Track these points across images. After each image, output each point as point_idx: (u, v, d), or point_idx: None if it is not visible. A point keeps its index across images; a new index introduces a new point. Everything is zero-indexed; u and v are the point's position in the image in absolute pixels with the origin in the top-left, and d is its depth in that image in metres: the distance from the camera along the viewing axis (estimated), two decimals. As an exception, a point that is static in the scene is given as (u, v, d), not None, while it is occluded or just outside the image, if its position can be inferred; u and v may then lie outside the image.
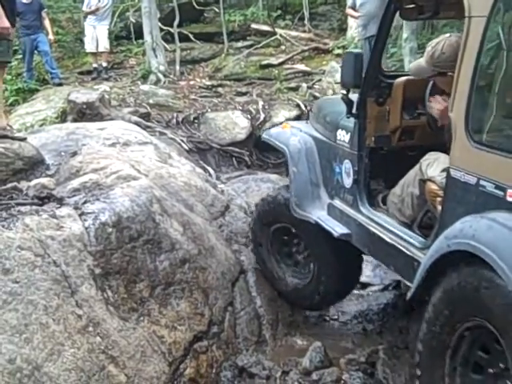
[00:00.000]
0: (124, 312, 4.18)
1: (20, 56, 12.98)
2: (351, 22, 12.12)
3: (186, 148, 9.42)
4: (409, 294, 3.40)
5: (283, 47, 14.47)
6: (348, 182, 4.20)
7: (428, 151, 3.78)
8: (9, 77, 11.92)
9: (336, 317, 5.55)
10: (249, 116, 10.71)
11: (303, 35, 15.10)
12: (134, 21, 15.08)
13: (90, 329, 3.88)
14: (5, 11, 5.17)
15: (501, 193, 2.79)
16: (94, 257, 4.19)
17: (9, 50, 5.49)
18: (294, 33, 15.20)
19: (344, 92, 4.09)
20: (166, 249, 4.64)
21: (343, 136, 4.24)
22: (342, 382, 4.49)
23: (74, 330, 3.79)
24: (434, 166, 3.63)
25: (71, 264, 4.04)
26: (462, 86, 3.03)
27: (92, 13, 13.01)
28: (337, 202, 4.35)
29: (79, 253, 4.13)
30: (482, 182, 2.90)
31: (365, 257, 4.85)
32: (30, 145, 5.61)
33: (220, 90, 12.58)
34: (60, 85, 12.24)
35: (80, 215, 4.36)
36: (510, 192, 2.75)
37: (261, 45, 14.52)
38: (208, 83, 13.03)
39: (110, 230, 4.34)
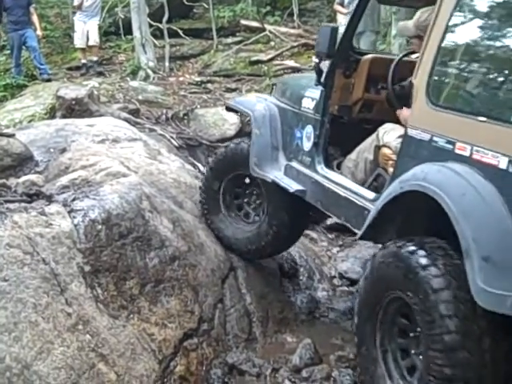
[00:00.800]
0: (114, 310, 4.18)
1: (8, 51, 12.89)
2: (340, 19, 12.10)
3: (176, 144, 9.38)
4: (358, 235, 3.85)
5: (272, 43, 14.43)
6: (308, 145, 4.57)
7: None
8: (-3, 72, 11.87)
9: (326, 314, 5.57)
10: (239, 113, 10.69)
11: (292, 31, 15.07)
12: (122, 16, 15.00)
13: (80, 327, 3.87)
14: None
15: (450, 146, 3.23)
16: (84, 254, 4.18)
17: None
18: (283, 29, 15.16)
19: (316, 61, 4.42)
20: (155, 246, 4.64)
21: (308, 104, 4.60)
22: (332, 378, 4.50)
23: (64, 328, 3.79)
24: (390, 133, 3.97)
25: (60, 262, 4.03)
26: (427, 56, 3.46)
27: (79, 7, 12.94)
28: (294, 164, 4.70)
29: (68, 250, 4.12)
30: (434, 138, 3.33)
31: (353, 253, 4.89)
32: (18, 141, 5.59)
33: (209, 86, 12.54)
34: (49, 80, 12.15)
35: (69, 212, 4.35)
36: (459, 145, 3.18)
37: (250, 41, 14.48)
38: (197, 79, 12.98)
39: (100, 227, 4.34)
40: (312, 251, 6.57)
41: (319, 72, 4.44)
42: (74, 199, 4.53)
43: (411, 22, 4.09)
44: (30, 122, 9.36)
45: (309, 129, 4.57)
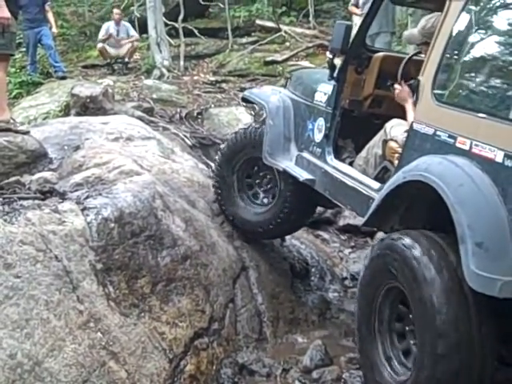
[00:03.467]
0: (125, 308, 4.18)
1: (24, 49, 12.96)
2: (356, 20, 12.06)
3: (189, 143, 9.39)
4: (363, 221, 4.05)
5: (288, 44, 14.44)
6: (319, 137, 4.77)
7: None
8: (12, 69, 11.91)
9: (337, 315, 5.55)
10: (252, 112, 10.68)
11: (308, 32, 15.07)
12: (138, 15, 15.05)
13: (91, 324, 3.88)
14: (7, 2, 5.16)
15: (452, 140, 3.43)
16: (96, 252, 4.19)
17: (11, 43, 5.48)
18: (298, 29, 15.17)
19: (330, 57, 4.63)
20: (167, 245, 4.64)
21: (321, 97, 4.81)
22: (343, 380, 4.48)
23: (75, 325, 3.79)
24: (397, 128, 4.13)
25: (73, 259, 4.04)
26: (434, 55, 3.69)
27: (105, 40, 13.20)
28: (305, 154, 4.91)
29: (81, 248, 4.13)
30: (438, 133, 3.53)
31: (365, 254, 4.86)
32: (33, 138, 5.60)
33: (224, 85, 12.56)
34: (64, 78, 12.21)
35: (82, 210, 4.35)
36: (459, 140, 3.38)
37: (265, 41, 14.50)
38: (212, 79, 13.01)
39: (112, 225, 4.34)
40: (324, 252, 6.56)
41: (332, 67, 4.64)
42: (87, 197, 4.54)
43: (416, 29, 4.31)
44: (44, 119, 9.42)
45: (320, 121, 4.76)
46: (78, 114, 9.23)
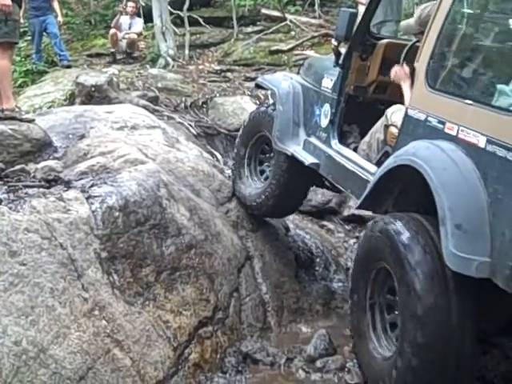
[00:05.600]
0: (130, 296, 4.19)
1: (29, 38, 12.94)
2: (361, 9, 12.02)
3: (194, 133, 9.39)
4: (357, 203, 4.21)
5: (293, 33, 14.37)
6: (325, 122, 4.89)
7: None
8: (18, 58, 11.90)
9: (341, 305, 5.55)
10: (257, 101, 10.65)
11: (313, 21, 14.99)
12: (143, 4, 14.98)
13: (96, 312, 3.89)
14: None
15: (441, 126, 3.55)
16: (101, 240, 4.20)
17: (15, 31, 5.47)
18: (304, 18, 15.09)
19: (335, 44, 4.76)
20: (172, 234, 4.65)
21: (327, 83, 4.93)
22: (346, 369, 4.50)
23: (80, 313, 3.80)
24: (397, 113, 4.19)
25: (78, 247, 4.05)
26: (428, 44, 3.80)
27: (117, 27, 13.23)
28: (312, 139, 5.03)
29: (86, 236, 4.13)
30: (429, 118, 3.66)
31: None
32: (38, 127, 5.61)
33: (229, 75, 12.52)
34: (69, 67, 12.19)
35: (87, 198, 4.36)
36: (448, 125, 3.50)
37: (270, 30, 14.42)
38: (217, 68, 12.97)
39: (117, 213, 4.35)
40: (328, 242, 6.56)
41: (338, 54, 4.75)
42: (91, 185, 4.54)
43: (412, 19, 4.42)
44: (49, 107, 9.40)
45: (326, 107, 4.88)
46: (83, 103, 9.24)
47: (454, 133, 3.45)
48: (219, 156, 8.79)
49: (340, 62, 4.73)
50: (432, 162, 3.44)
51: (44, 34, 12.48)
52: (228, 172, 6.77)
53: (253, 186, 5.71)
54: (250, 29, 14.95)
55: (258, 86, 6.16)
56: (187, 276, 4.61)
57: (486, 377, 4.17)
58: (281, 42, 13.91)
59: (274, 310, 5.20)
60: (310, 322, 5.20)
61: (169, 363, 4.13)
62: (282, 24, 14.56)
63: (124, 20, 13.52)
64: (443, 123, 3.54)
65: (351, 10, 4.81)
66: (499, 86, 3.33)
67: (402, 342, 3.45)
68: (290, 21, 14.63)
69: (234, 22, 14.68)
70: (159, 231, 4.56)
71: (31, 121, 5.61)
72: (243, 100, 10.69)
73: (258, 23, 15.22)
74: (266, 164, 5.77)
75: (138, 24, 13.70)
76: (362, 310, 3.94)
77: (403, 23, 4.93)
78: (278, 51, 13.44)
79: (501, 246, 3.10)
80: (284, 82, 5.43)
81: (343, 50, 4.75)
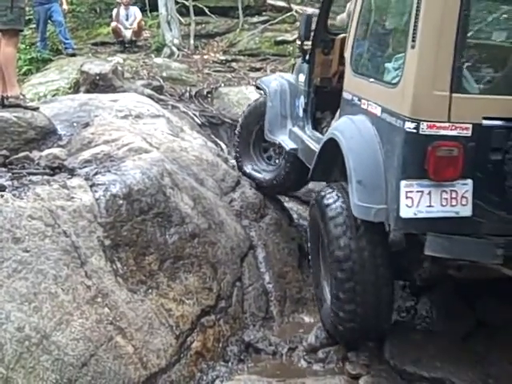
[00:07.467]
0: (133, 284, 4.20)
1: (34, 26, 12.93)
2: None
3: (199, 122, 9.39)
4: (309, 175, 4.83)
5: (298, 23, 14.32)
6: (301, 112, 5.55)
7: None
8: (22, 46, 11.88)
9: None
10: (262, 92, 10.65)
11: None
12: (149, -7, 14.96)
13: (99, 300, 3.90)
14: None
15: (359, 103, 4.29)
16: (104, 228, 4.21)
17: (20, 18, 5.45)
18: (309, 9, 15.01)
19: (299, 43, 5.48)
20: (175, 222, 4.65)
21: (302, 78, 5.56)
22: (348, 359, 4.49)
23: (83, 300, 3.82)
24: None
25: (81, 235, 4.06)
26: (350, 35, 4.57)
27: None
28: (294, 128, 5.67)
29: (89, 224, 4.14)
30: (353, 98, 4.42)
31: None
32: (42, 114, 5.61)
33: (234, 65, 12.50)
34: (73, 55, 12.19)
35: (91, 186, 4.37)
36: (362, 101, 4.23)
37: (276, 20, 14.37)
38: (222, 58, 12.94)
39: (121, 202, 4.35)
40: (332, 233, 6.54)
41: (304, 52, 5.43)
42: (95, 173, 4.55)
43: (345, 14, 5.17)
44: (54, 96, 9.41)
45: (302, 98, 5.52)
46: (88, 92, 9.24)
47: (365, 107, 4.18)
48: (223, 145, 8.79)
49: (306, 58, 5.39)
50: (344, 132, 4.21)
51: (49, 21, 12.47)
52: (232, 161, 6.76)
53: (263, 169, 6.24)
54: (255, 19, 14.89)
55: (258, 88, 6.80)
56: (190, 265, 4.62)
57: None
58: (286, 32, 13.86)
59: (277, 299, 5.21)
60: (313, 312, 5.20)
61: (171, 351, 4.14)
62: (288, 14, 14.51)
63: (121, 12, 13.45)
64: (360, 100, 4.28)
65: (308, 13, 5.81)
66: (386, 64, 4.13)
67: (330, 282, 4.24)
68: (296, 11, 14.57)
69: (240, 11, 14.62)
70: (163, 220, 4.57)
71: (36, 109, 5.61)
72: (248, 90, 10.67)
73: (264, 13, 15.16)
74: (273, 150, 6.27)
75: (135, 13, 13.55)
76: (318, 267, 4.66)
77: (338, 18, 5.90)
78: (283, 42, 13.40)
79: (390, 194, 3.77)
80: (274, 81, 6.07)
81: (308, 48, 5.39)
